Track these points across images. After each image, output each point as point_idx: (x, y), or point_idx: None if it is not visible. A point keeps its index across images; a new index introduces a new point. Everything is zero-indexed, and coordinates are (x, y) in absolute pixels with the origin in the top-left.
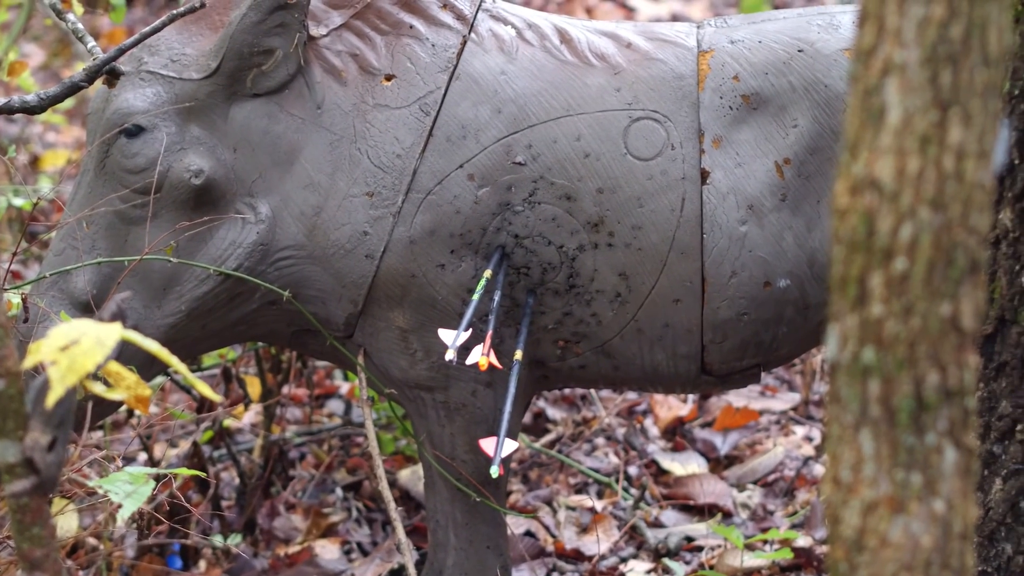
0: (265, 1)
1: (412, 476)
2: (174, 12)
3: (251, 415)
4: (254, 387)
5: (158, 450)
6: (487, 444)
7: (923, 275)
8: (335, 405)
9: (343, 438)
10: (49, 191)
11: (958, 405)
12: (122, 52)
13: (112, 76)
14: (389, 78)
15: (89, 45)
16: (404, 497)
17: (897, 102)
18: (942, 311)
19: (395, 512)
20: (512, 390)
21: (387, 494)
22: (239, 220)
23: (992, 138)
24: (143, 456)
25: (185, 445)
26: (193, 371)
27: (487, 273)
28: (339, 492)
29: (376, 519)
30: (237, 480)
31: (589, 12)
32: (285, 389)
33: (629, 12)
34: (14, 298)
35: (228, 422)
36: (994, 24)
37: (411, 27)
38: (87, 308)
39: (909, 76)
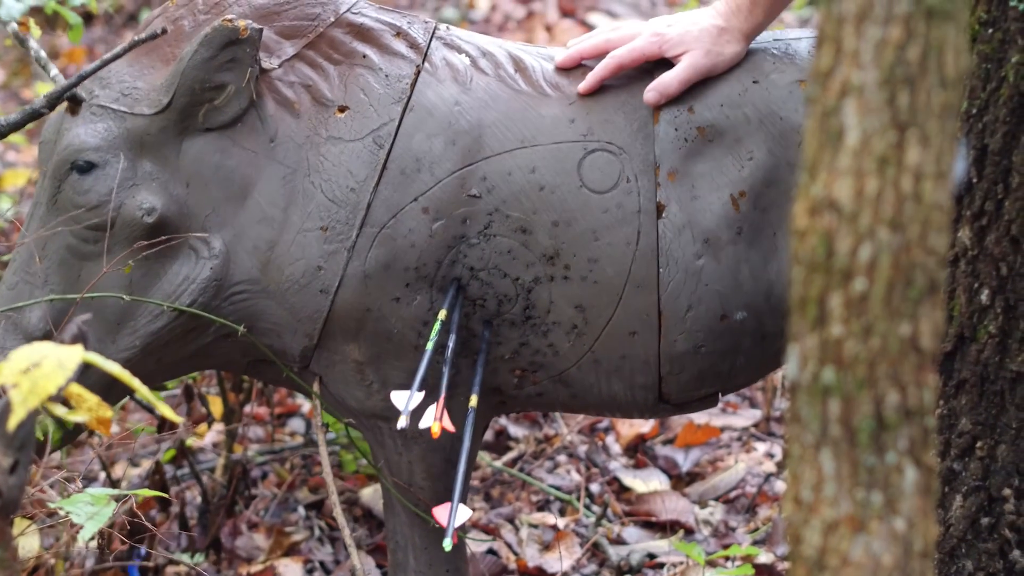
0: (216, 37)
1: (375, 495)
2: (135, 39)
3: (213, 434)
4: (216, 406)
5: (119, 469)
6: (440, 512)
7: (882, 295)
8: (297, 424)
9: (305, 457)
10: (8, 211)
11: (918, 424)
12: (83, 79)
13: (73, 103)
14: (343, 109)
15: (52, 73)
16: (367, 516)
17: (855, 123)
18: (901, 331)
19: (350, 539)
20: (467, 445)
21: (341, 520)
22: (193, 255)
23: (950, 159)
24: (103, 476)
25: (147, 464)
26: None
27: (442, 314)
28: (301, 511)
29: (338, 538)
30: (199, 499)
31: (549, 30)
32: (247, 408)
33: (588, 29)
34: None
35: (190, 441)
36: (951, 46)
37: (364, 56)
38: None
39: (867, 98)
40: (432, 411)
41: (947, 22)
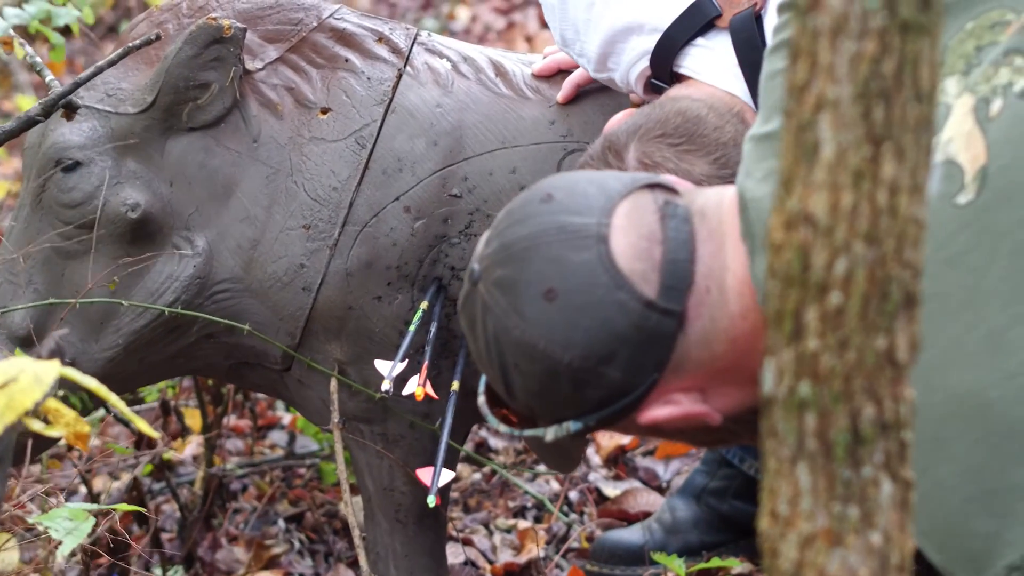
0: (200, 35)
1: (356, 507)
2: (130, 44)
3: (192, 447)
4: (194, 419)
5: (98, 483)
6: (424, 474)
7: (858, 309)
8: (277, 436)
9: (285, 470)
10: None
11: (894, 438)
12: (78, 85)
13: (69, 109)
14: (325, 111)
15: (48, 78)
16: (347, 528)
17: (830, 137)
18: (877, 345)
19: (359, 539)
20: (449, 420)
21: (352, 520)
22: (176, 254)
23: (925, 173)
24: (84, 489)
25: (126, 477)
26: (132, 405)
27: (424, 304)
28: (281, 524)
29: (318, 551)
30: (178, 513)
31: (529, 40)
32: (226, 420)
33: None
34: None
35: (168, 455)
36: (926, 60)
37: (346, 60)
38: (24, 342)
39: (842, 112)
40: (415, 380)
41: (922, 36)
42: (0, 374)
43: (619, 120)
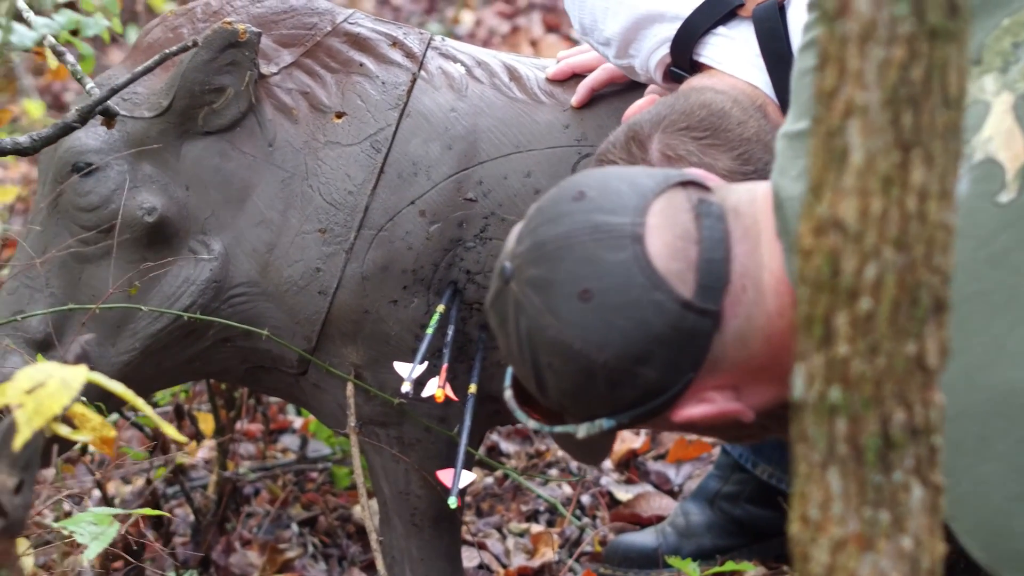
0: (216, 39)
1: (370, 510)
2: (166, 52)
3: (204, 451)
4: (207, 423)
5: (111, 487)
6: (444, 475)
7: (888, 314)
8: (288, 440)
9: (297, 474)
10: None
11: (924, 443)
12: (115, 92)
13: (107, 116)
14: (340, 115)
15: (88, 86)
16: (360, 532)
17: (859, 144)
18: (907, 350)
19: (376, 543)
20: (467, 423)
21: (369, 524)
22: (192, 258)
23: (953, 178)
24: (96, 493)
25: (138, 482)
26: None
27: (440, 308)
28: (295, 528)
29: (332, 555)
30: (192, 517)
31: (534, 44)
32: (238, 425)
33: (573, 44)
34: None
35: (182, 459)
36: (954, 66)
37: (361, 65)
38: (41, 346)
39: (871, 118)
40: (434, 382)
41: (950, 42)
42: (28, 379)
43: (640, 108)
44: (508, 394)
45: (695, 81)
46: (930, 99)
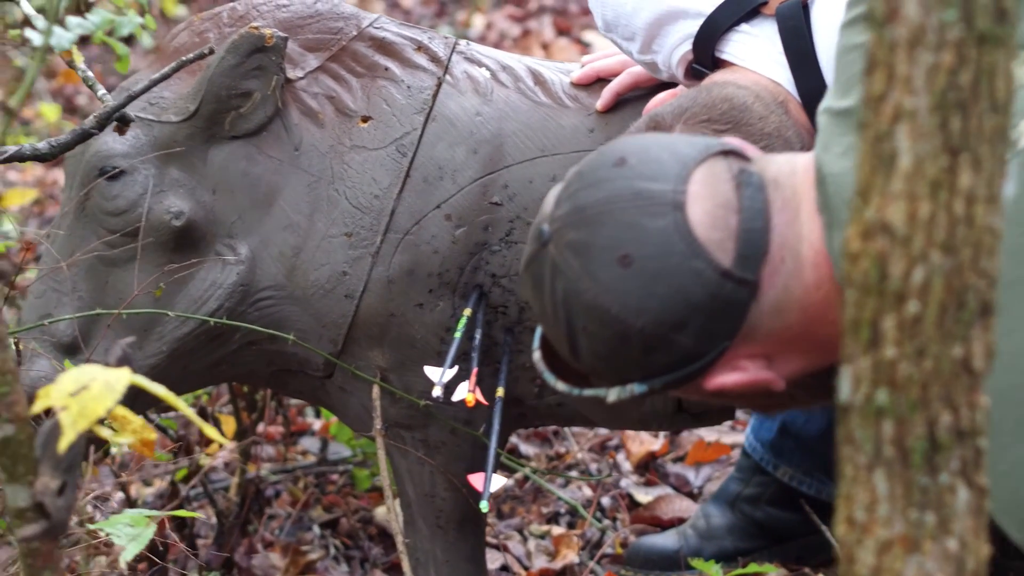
0: (243, 44)
1: (386, 512)
2: (183, 59)
3: (224, 453)
4: (229, 425)
5: (133, 489)
6: (475, 479)
7: (935, 318)
8: (308, 443)
9: (318, 476)
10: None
11: (970, 445)
12: (132, 99)
13: (122, 123)
14: (366, 120)
15: (99, 92)
16: (382, 534)
17: (908, 148)
18: (954, 353)
19: (402, 544)
20: (496, 425)
21: (395, 526)
22: (219, 261)
23: (1001, 182)
24: (118, 495)
25: (159, 483)
26: (166, 411)
27: (467, 311)
28: (316, 530)
29: (354, 556)
30: (213, 518)
31: (545, 48)
32: (260, 427)
33: (584, 48)
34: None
35: (203, 460)
36: (1001, 71)
37: (386, 69)
38: (69, 349)
39: (919, 122)
40: (464, 386)
41: (998, 48)
42: (72, 382)
43: (662, 100)
44: (537, 356)
45: (717, 77)
46: (978, 104)
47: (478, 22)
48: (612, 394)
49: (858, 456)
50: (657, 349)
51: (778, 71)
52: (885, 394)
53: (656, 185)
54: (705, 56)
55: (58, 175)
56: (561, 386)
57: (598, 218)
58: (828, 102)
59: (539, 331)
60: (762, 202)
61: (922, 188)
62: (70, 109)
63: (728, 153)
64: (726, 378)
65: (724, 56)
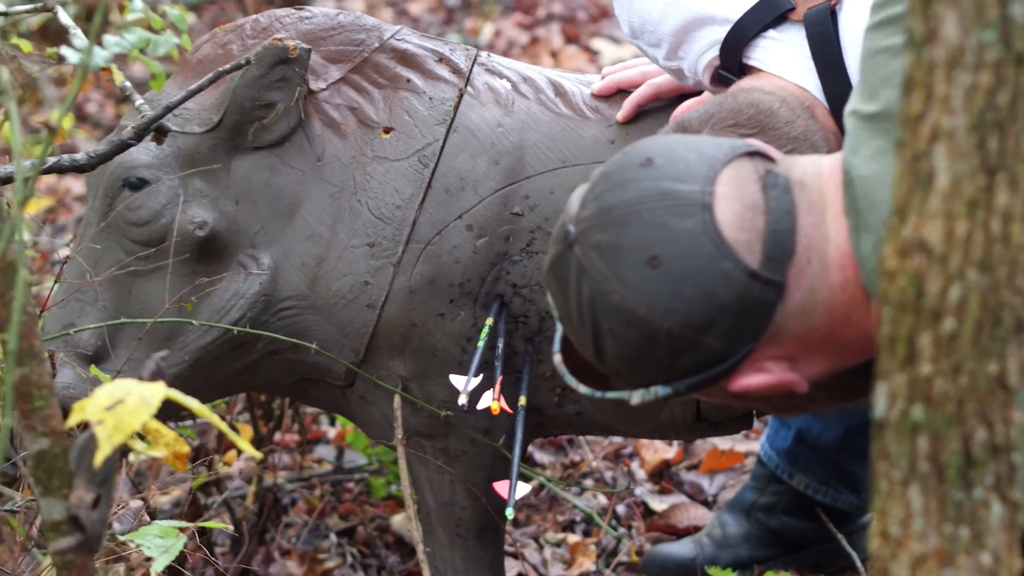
0: (267, 55)
1: (405, 521)
2: (219, 70)
3: (240, 462)
4: (245, 434)
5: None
6: (501, 487)
7: (971, 335)
8: (323, 451)
9: (334, 484)
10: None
11: (1004, 461)
12: (169, 110)
13: (160, 133)
14: (388, 131)
15: (137, 103)
16: (398, 542)
17: (945, 167)
18: (989, 369)
19: (423, 554)
20: (520, 434)
21: (416, 535)
22: (242, 271)
23: None
24: (133, 504)
25: (175, 492)
26: (184, 420)
27: (489, 321)
28: (333, 538)
29: (371, 564)
30: (231, 527)
31: (554, 56)
32: (276, 436)
33: (592, 55)
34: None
35: (219, 469)
36: None
37: (408, 81)
38: (92, 359)
39: (957, 142)
40: (488, 395)
41: None
42: (107, 396)
43: (689, 107)
44: (558, 359)
45: (743, 83)
46: (1016, 124)
47: (486, 30)
48: (636, 396)
49: (893, 471)
50: (684, 351)
51: (806, 77)
52: (921, 410)
53: (684, 186)
54: (732, 62)
55: (70, 183)
56: (583, 389)
57: (625, 219)
58: (855, 105)
59: (559, 333)
60: (788, 203)
61: (959, 207)
62: (80, 117)
63: (754, 154)
64: (751, 380)
65: (751, 62)
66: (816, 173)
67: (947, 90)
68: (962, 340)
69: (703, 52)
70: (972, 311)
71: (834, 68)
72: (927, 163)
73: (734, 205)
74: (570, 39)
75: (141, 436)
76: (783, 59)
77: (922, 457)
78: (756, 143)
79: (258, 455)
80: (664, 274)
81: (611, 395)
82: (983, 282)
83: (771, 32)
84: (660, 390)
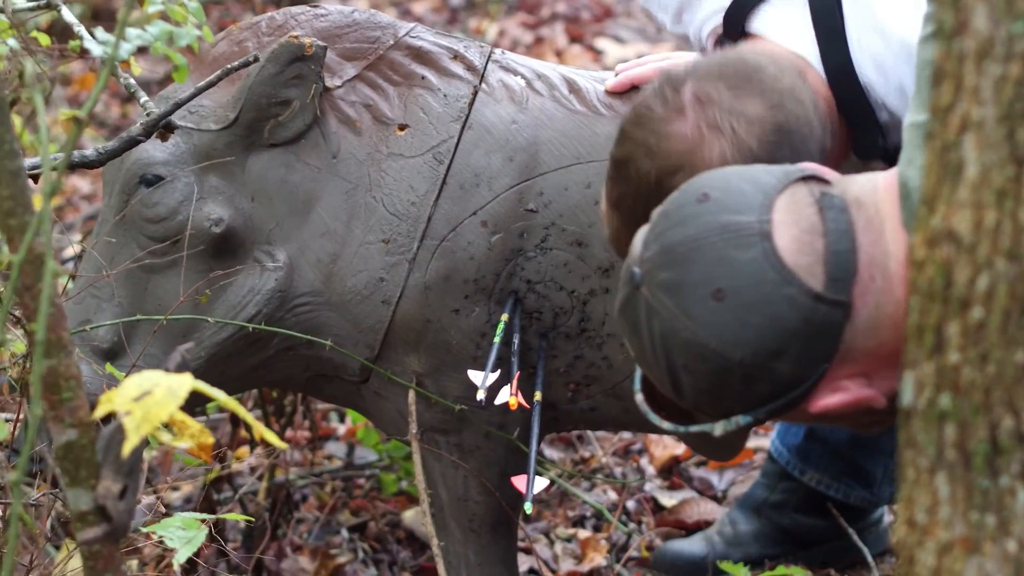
0: (283, 53)
1: (417, 516)
2: (228, 67)
3: (251, 458)
4: (256, 431)
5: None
6: (518, 481)
7: (999, 324)
8: (333, 447)
9: (345, 480)
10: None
11: None
12: (178, 106)
13: (167, 130)
14: (403, 128)
15: (142, 100)
16: (410, 537)
17: (974, 158)
18: (1017, 358)
19: (437, 548)
20: (536, 429)
21: (430, 528)
22: (257, 267)
23: None
24: (146, 499)
25: (186, 487)
26: (196, 417)
27: (504, 317)
28: (344, 533)
29: (382, 560)
30: (242, 522)
31: (559, 55)
32: (287, 432)
33: (596, 55)
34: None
35: (235, 464)
36: None
37: (423, 78)
38: (108, 355)
39: (986, 132)
40: (506, 390)
41: None
42: (136, 387)
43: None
44: (639, 398)
45: (738, 46)
46: None
47: (491, 30)
48: (718, 428)
49: (920, 459)
50: (758, 379)
51: (805, 45)
52: (948, 398)
53: (741, 217)
54: (735, 30)
55: (77, 182)
56: (667, 425)
57: (688, 255)
58: (911, 116)
59: (638, 372)
60: (846, 223)
61: (988, 197)
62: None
63: (808, 178)
64: (829, 400)
65: (752, 30)
66: (872, 189)
67: (977, 81)
68: (989, 329)
69: (707, 19)
70: (1000, 300)
71: (835, 37)
72: (956, 153)
73: (792, 230)
74: (574, 39)
75: (167, 427)
76: (783, 26)
77: (949, 445)
78: (810, 166)
79: (283, 445)
80: (730, 306)
81: (695, 429)
82: (1011, 271)
83: (774, 0)
84: (741, 419)
